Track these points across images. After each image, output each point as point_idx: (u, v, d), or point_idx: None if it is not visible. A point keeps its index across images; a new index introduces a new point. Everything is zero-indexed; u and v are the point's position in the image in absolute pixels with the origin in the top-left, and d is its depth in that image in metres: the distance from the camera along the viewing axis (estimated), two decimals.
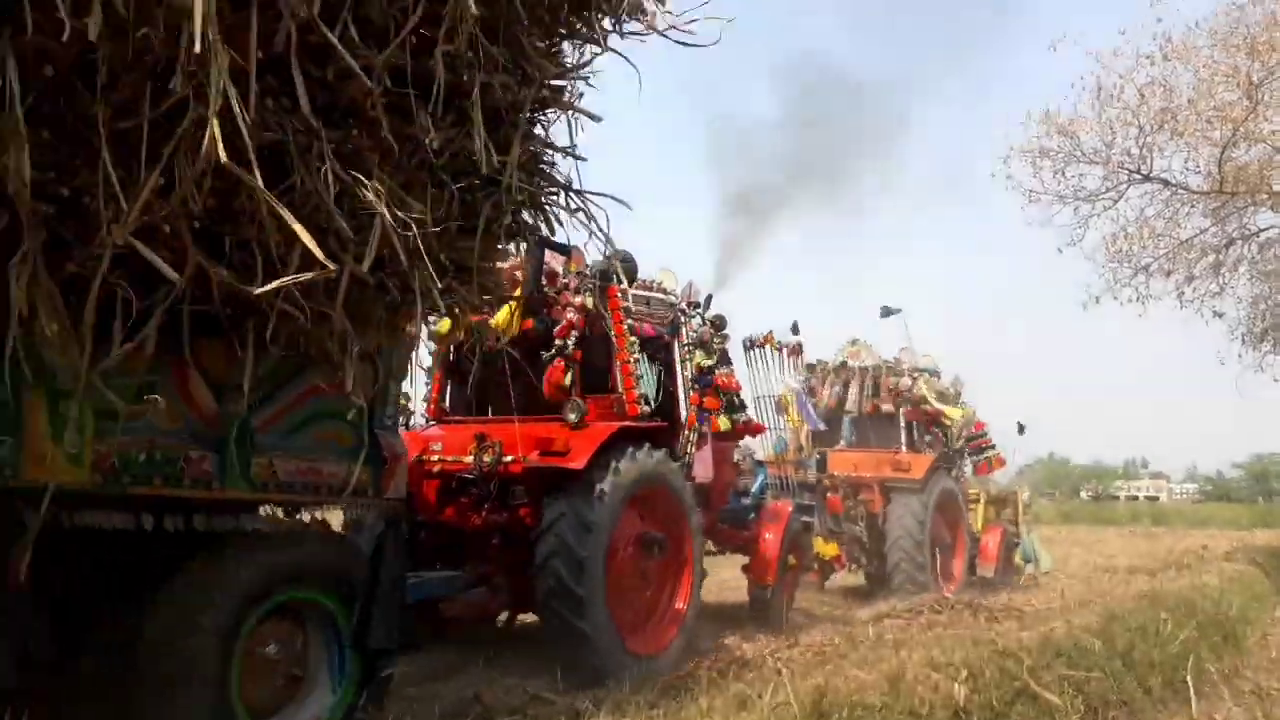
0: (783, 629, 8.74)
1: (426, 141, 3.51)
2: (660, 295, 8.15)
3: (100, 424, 3.35)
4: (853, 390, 13.05)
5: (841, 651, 6.87)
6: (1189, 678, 6.76)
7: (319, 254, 2.93)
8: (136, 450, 3.59)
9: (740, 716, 3.95)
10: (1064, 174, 17.26)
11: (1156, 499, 72.84)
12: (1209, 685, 7.49)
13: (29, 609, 3.49)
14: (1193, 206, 17.82)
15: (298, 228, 2.90)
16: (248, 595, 3.92)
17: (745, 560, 9.40)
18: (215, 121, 2.55)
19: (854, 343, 13.47)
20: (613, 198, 4.52)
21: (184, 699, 3.66)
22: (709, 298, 8.73)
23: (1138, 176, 16.98)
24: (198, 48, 2.43)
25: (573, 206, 4.50)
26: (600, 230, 4.56)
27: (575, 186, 4.47)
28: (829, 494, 11.82)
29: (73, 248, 2.88)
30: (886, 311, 13.99)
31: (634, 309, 7.59)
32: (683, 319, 8.37)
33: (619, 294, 7.42)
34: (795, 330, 11.12)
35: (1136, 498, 71.90)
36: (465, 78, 3.56)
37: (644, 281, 7.99)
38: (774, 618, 8.96)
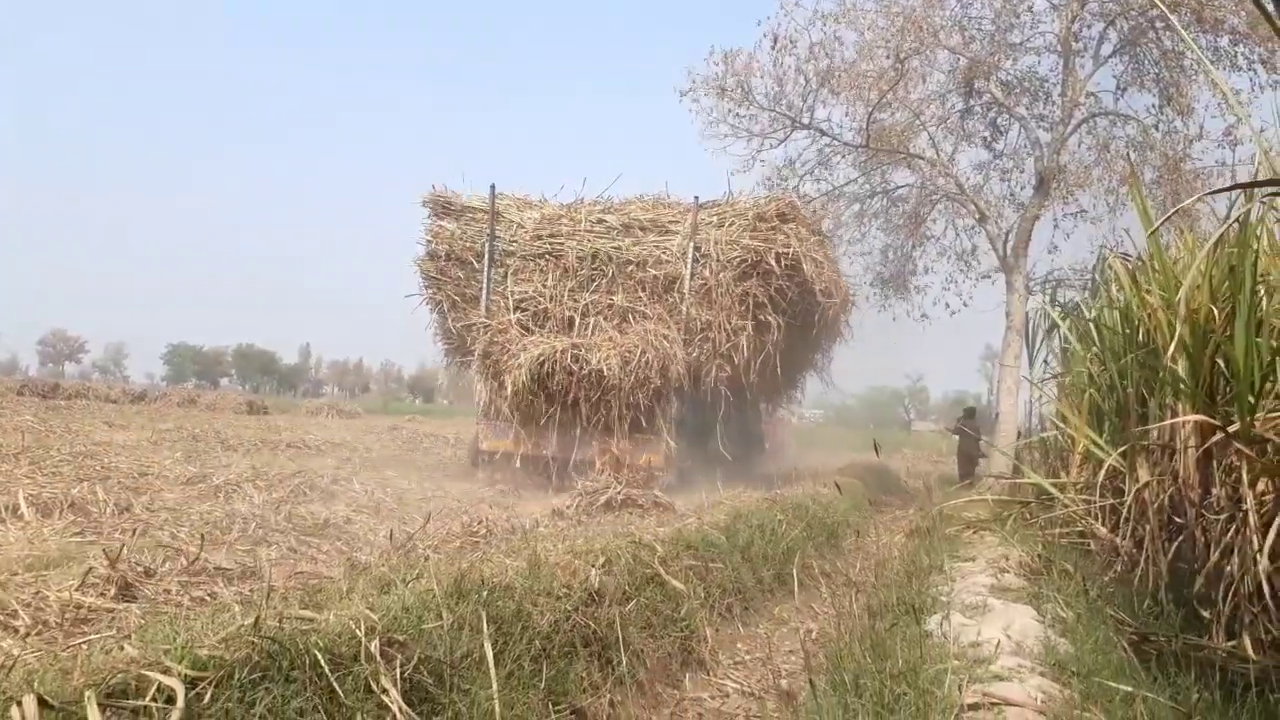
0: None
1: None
2: None
3: None
4: None
5: (496, 540, 7.06)
6: (795, 571, 7.60)
7: None
8: None
9: (381, 599, 3.93)
10: (738, 113, 18.38)
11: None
12: (811, 578, 8.47)
13: None
14: (844, 157, 19.63)
15: None
16: None
17: None
18: None
19: None
20: None
21: None
22: None
23: (800, 124, 18.39)
24: None
25: None
26: None
27: None
28: None
29: None
30: None
31: None
32: None
33: None
34: None
35: None
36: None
37: None
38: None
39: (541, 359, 13.46)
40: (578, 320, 14.46)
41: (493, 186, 15.28)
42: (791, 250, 13.93)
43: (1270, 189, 5.04)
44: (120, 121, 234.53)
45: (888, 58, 16.93)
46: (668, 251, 14.44)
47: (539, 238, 15.05)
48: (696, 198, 14.72)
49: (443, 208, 15.64)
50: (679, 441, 14.08)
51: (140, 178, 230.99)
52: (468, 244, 15.30)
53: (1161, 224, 9.16)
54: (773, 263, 13.91)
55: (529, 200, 15.71)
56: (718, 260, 14.14)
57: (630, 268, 14.51)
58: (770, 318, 14.20)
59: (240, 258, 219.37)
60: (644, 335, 13.73)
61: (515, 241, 15.14)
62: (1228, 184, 13.36)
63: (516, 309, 14.76)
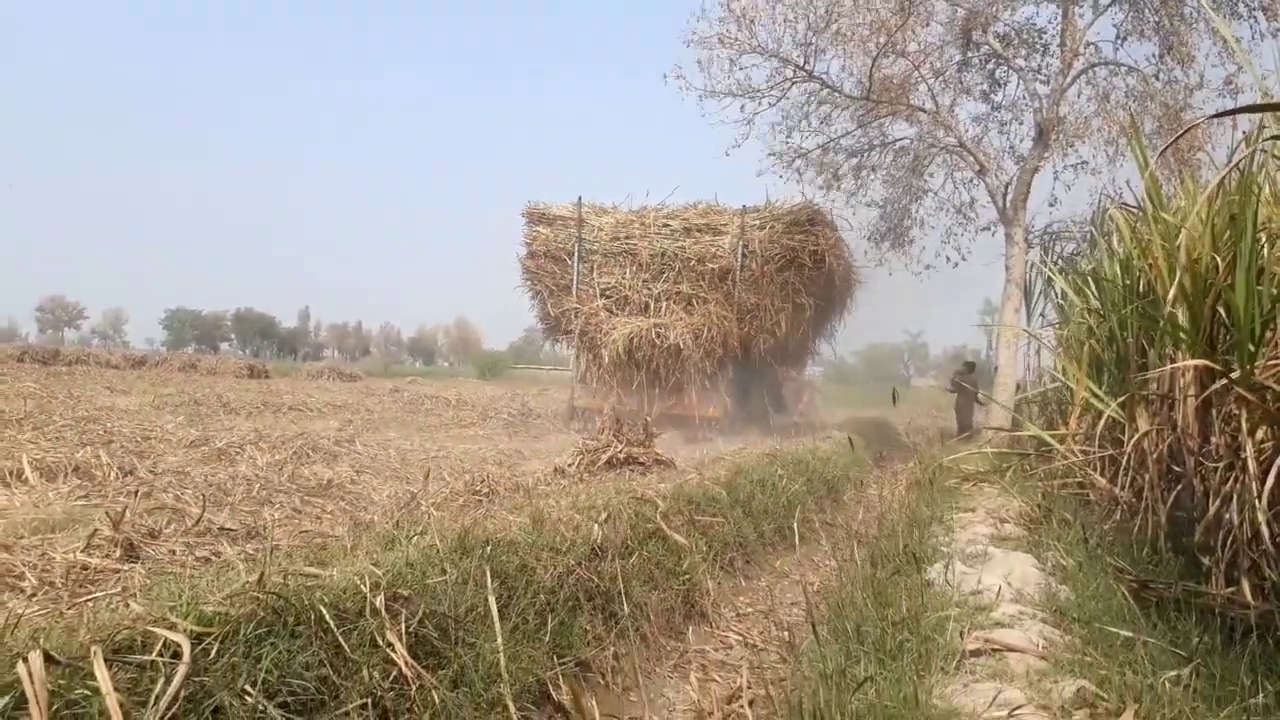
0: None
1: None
2: None
3: None
4: None
5: (499, 497, 7.08)
6: (796, 524, 7.64)
7: None
8: None
9: (385, 555, 3.95)
10: (736, 65, 18.17)
11: None
12: (812, 532, 8.53)
13: None
14: (844, 110, 19.41)
15: None
16: None
17: None
18: None
19: None
20: None
21: None
22: None
23: (801, 73, 18.16)
24: None
25: None
26: None
27: None
28: None
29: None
30: None
31: None
32: None
33: None
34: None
35: None
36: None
37: None
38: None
39: (631, 335, 17.50)
40: (652, 305, 18.42)
41: (579, 198, 19.48)
42: (820, 248, 17.78)
43: (1275, 129, 4.99)
44: (119, 89, 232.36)
45: (886, 1, 16.72)
46: (721, 249, 18.35)
47: (616, 239, 18.97)
48: (744, 206, 18.54)
49: (538, 217, 19.51)
50: (732, 399, 18.16)
51: (137, 142, 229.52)
52: (559, 245, 19.20)
53: (1162, 152, 9.10)
54: (806, 259, 17.79)
55: (604, 208, 19.60)
56: (762, 256, 17.97)
57: (692, 262, 18.45)
58: (804, 300, 18.14)
59: (239, 220, 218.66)
60: (707, 316, 17.82)
61: (597, 242, 19.03)
62: (1228, 134, 13.25)
63: (602, 296, 18.79)
